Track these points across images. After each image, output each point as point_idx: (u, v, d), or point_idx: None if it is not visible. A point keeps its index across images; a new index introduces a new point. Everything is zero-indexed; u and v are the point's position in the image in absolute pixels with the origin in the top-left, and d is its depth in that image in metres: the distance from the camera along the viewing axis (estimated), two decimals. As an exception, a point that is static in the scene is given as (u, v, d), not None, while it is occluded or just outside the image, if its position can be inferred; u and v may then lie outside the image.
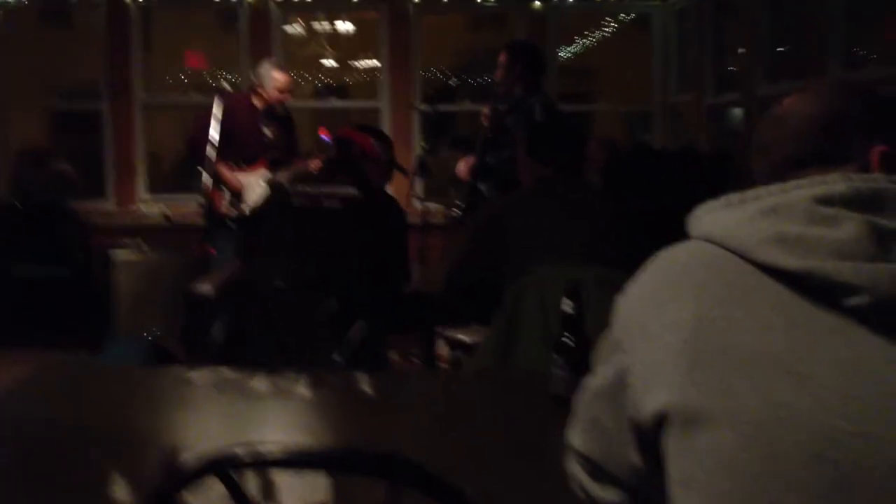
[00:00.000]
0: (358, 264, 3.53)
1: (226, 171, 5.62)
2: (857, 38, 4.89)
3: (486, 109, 4.94)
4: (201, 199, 5.36)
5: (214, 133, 5.30)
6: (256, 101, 5.77)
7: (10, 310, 6.08)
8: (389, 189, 7.37)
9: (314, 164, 5.20)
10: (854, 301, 1.01)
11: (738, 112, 6.14)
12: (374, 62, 9.27)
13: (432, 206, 6.01)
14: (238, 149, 5.63)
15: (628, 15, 9.28)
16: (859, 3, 4.95)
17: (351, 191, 3.59)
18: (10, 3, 7.20)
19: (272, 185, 3.83)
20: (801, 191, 1.11)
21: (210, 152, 5.26)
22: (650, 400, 1.11)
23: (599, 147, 5.41)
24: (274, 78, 5.72)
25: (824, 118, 1.22)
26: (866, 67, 4.87)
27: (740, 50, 6.05)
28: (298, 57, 9.83)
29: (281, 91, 5.76)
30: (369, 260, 3.58)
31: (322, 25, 10.54)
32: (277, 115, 5.85)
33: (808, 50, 5.00)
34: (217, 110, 5.32)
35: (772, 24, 5.74)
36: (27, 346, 6.06)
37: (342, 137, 3.76)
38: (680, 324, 1.11)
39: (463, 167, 5.23)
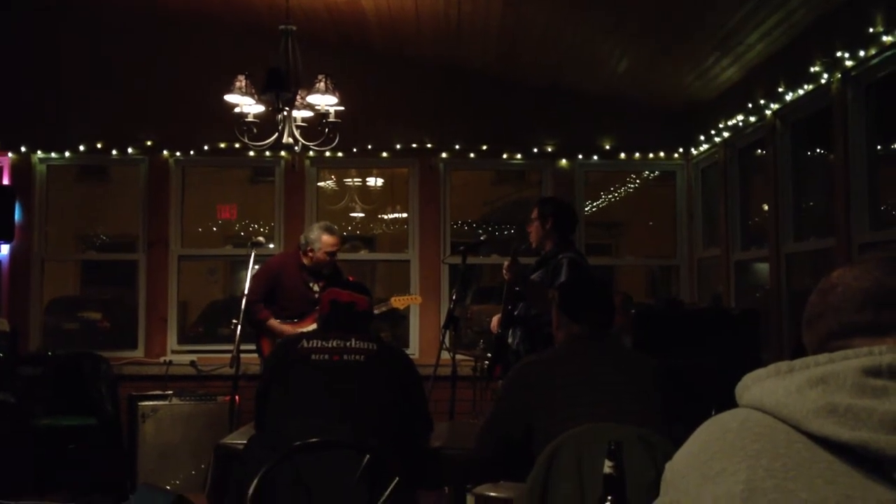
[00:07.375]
0: (384, 417, 3.52)
1: (276, 323, 6.02)
2: (882, 195, 4.93)
3: (507, 262, 4.96)
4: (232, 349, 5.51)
5: (255, 284, 5.80)
6: (305, 260, 6.15)
7: (37, 459, 6.06)
8: (418, 341, 7.46)
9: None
10: None
11: (764, 267, 6.16)
12: (402, 214, 9.46)
13: (461, 357, 6.00)
14: (288, 305, 6.11)
15: (652, 172, 9.48)
16: (883, 161, 5.02)
17: (369, 344, 3.63)
18: (53, 158, 7.45)
19: (283, 342, 3.89)
20: (849, 361, 1.12)
21: (251, 301, 5.71)
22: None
23: (619, 300, 5.43)
24: (325, 242, 6.07)
25: (871, 291, 1.23)
26: (894, 226, 4.89)
27: (765, 206, 6.11)
28: (329, 210, 10.06)
29: (329, 254, 6.10)
30: (394, 412, 3.58)
31: (353, 180, 10.84)
32: (324, 274, 6.15)
33: (833, 206, 5.04)
34: (252, 262, 5.70)
35: (796, 180, 5.81)
36: (51, 497, 6.01)
37: (342, 301, 3.80)
38: (732, 495, 1.10)
39: (495, 322, 5.25)
